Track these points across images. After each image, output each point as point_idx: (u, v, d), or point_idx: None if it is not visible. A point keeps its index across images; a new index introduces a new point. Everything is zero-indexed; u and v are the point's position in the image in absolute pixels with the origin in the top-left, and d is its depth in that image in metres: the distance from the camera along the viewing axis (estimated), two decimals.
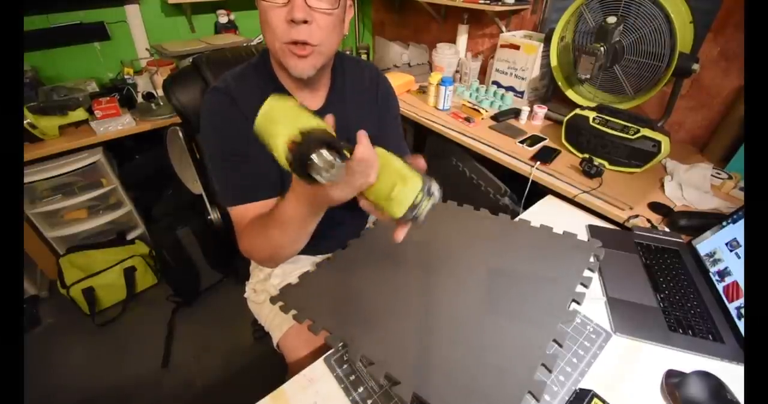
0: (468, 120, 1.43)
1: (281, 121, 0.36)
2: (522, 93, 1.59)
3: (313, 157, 0.32)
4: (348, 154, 0.40)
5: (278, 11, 0.56)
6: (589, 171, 1.06)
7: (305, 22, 0.56)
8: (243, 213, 0.64)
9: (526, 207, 0.99)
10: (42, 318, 1.53)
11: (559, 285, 0.70)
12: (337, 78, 0.74)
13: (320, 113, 0.74)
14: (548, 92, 1.62)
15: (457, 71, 1.84)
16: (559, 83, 1.43)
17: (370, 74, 0.79)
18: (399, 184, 0.42)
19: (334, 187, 0.42)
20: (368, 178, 0.43)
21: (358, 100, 0.77)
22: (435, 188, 0.42)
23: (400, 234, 0.48)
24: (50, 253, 1.58)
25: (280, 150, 0.34)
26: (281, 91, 0.70)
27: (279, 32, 0.57)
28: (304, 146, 0.32)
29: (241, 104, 0.65)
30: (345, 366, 0.59)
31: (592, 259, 0.77)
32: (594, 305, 0.70)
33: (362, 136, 0.43)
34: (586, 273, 0.74)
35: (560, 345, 0.60)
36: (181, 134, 0.96)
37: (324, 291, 0.72)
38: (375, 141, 0.83)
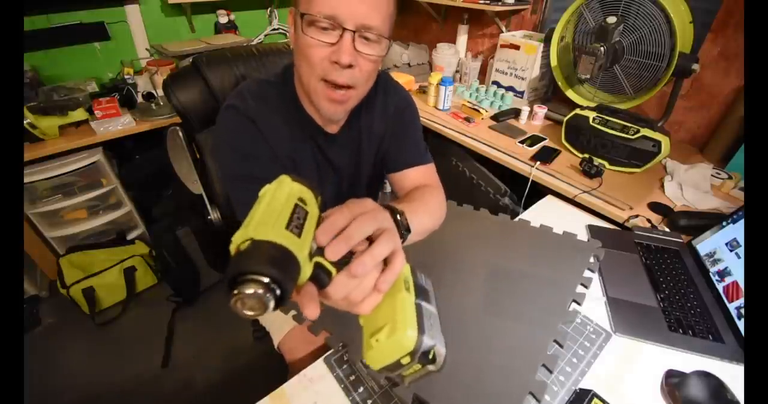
0: (468, 120, 1.43)
1: (259, 208, 0.28)
2: (522, 93, 1.59)
3: (239, 288, 0.24)
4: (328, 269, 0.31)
5: (323, 50, 0.52)
6: (589, 171, 1.06)
7: (350, 66, 0.53)
8: None
9: (526, 207, 0.98)
10: (42, 318, 1.52)
11: (559, 285, 0.70)
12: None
13: (337, 138, 0.72)
14: (548, 92, 1.62)
15: (457, 71, 1.84)
16: (559, 83, 1.42)
17: (383, 85, 0.73)
18: (386, 331, 0.30)
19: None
20: (357, 308, 0.34)
21: (371, 116, 0.73)
22: (438, 353, 0.31)
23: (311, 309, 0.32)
24: (50, 253, 1.58)
25: (234, 241, 0.26)
26: (304, 117, 0.67)
27: (319, 69, 0.54)
28: (240, 263, 0.24)
29: (260, 125, 0.62)
30: (345, 366, 0.59)
31: (592, 259, 0.77)
32: (594, 305, 0.70)
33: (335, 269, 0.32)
34: (586, 273, 0.74)
35: (561, 346, 0.60)
36: (181, 134, 0.96)
37: None
38: (386, 153, 0.77)
